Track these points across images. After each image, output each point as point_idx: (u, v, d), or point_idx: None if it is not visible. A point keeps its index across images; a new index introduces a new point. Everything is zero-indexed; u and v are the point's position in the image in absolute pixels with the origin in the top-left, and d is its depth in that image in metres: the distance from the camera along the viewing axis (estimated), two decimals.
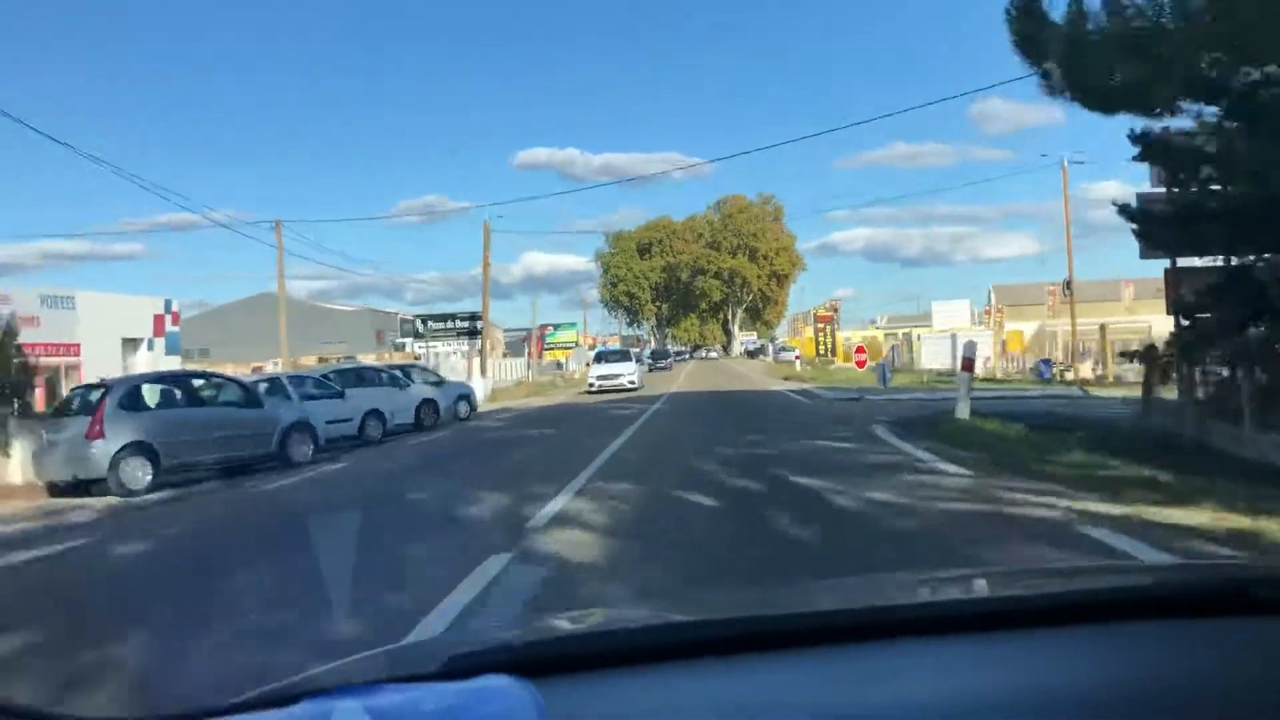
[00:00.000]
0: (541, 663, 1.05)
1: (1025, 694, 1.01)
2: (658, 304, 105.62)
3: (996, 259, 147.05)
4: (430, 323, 40.88)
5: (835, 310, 66.37)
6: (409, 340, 42.89)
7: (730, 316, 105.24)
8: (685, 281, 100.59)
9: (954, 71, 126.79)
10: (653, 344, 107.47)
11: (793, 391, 29.46)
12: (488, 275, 42.03)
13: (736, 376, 45.06)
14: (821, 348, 61.75)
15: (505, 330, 79.32)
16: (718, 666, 1.08)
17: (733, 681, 1.05)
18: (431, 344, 40.50)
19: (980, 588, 1.66)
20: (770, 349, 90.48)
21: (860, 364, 34.34)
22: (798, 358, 61.76)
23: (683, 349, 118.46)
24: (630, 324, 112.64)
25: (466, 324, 40.44)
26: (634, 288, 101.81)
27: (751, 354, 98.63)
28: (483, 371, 39.03)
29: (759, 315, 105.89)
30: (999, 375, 38.16)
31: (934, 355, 45.96)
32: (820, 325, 63.19)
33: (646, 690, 1.04)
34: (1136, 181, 16.26)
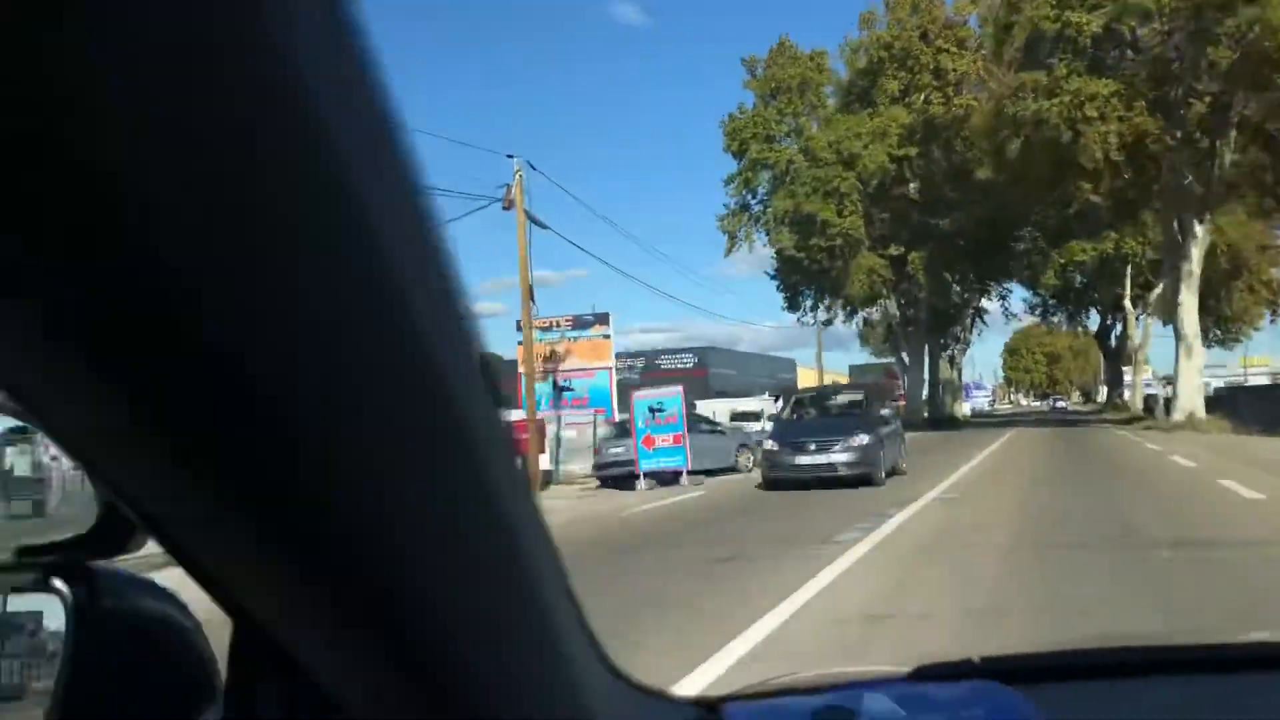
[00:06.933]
0: (999, 675, 1.04)
1: None
2: (891, 253, 38.44)
3: None
4: None
5: None
6: None
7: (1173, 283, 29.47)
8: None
9: None
10: (904, 379, 44.26)
11: None
12: None
13: None
14: None
15: None
16: (1157, 684, 1.09)
17: (1175, 695, 1.06)
18: None
19: None
20: None
21: None
22: None
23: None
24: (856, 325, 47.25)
25: None
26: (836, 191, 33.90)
27: None
28: None
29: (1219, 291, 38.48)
30: None
31: None
32: None
33: (1112, 697, 1.06)
34: None
